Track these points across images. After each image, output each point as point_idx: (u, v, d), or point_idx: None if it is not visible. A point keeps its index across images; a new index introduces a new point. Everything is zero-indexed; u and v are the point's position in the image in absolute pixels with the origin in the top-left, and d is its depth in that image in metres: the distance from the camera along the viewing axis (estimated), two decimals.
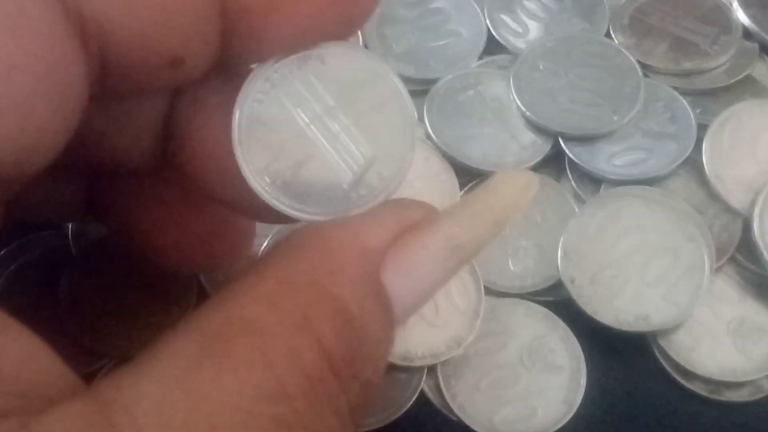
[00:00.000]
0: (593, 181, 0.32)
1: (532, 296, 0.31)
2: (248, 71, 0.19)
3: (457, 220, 0.19)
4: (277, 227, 0.30)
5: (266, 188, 0.19)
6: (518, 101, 0.33)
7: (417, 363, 0.28)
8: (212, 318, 0.16)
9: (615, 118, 0.32)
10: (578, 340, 0.29)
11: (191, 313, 0.17)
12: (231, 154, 0.19)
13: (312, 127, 0.19)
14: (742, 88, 0.34)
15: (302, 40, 0.19)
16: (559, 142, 0.33)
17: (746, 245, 0.30)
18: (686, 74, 0.34)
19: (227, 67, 0.20)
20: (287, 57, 0.19)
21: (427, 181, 0.32)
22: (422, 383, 0.29)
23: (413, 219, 0.19)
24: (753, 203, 0.30)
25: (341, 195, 0.19)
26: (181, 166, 0.22)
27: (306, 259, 0.17)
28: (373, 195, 0.20)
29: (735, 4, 0.36)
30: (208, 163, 0.21)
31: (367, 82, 0.20)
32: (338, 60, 0.19)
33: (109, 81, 0.18)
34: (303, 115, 0.19)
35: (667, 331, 0.29)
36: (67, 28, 0.16)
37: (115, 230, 0.26)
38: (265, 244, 0.30)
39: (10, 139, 0.15)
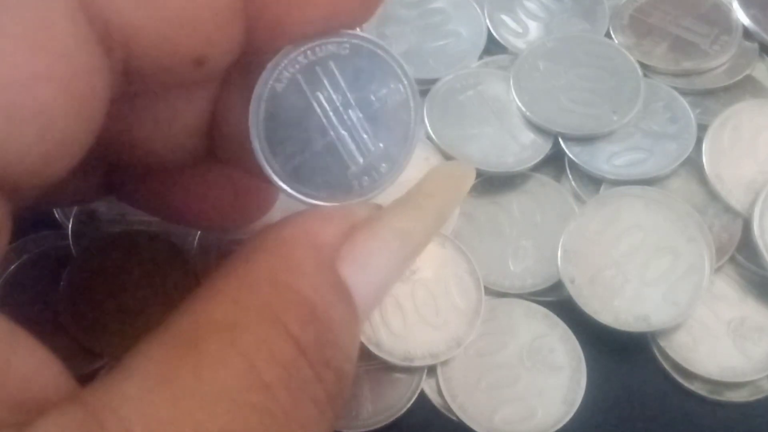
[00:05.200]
0: (593, 181, 0.32)
1: (532, 296, 0.31)
2: (267, 59, 0.20)
3: (402, 212, 0.21)
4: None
5: (277, 171, 0.20)
6: (518, 101, 0.33)
7: (417, 363, 0.28)
8: (181, 322, 0.17)
9: (615, 118, 0.32)
10: (578, 340, 0.29)
11: (164, 321, 0.17)
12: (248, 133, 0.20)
13: (328, 114, 0.20)
14: (742, 88, 0.34)
15: (323, 27, 0.19)
16: (559, 142, 0.33)
17: (746, 245, 0.30)
18: (686, 74, 0.34)
19: (247, 58, 0.20)
20: (311, 41, 0.20)
21: None
22: (422, 383, 0.29)
23: (360, 216, 0.20)
24: (753, 203, 0.30)
25: (345, 184, 0.21)
26: (217, 156, 0.23)
27: (263, 260, 0.18)
28: (372, 187, 0.21)
29: (735, 4, 0.36)
30: (238, 148, 0.22)
31: (383, 78, 0.21)
32: (358, 51, 0.20)
33: (132, 82, 0.18)
34: (320, 101, 0.20)
35: (667, 331, 0.29)
36: (90, 36, 0.16)
37: (132, 201, 0.27)
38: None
39: (30, 148, 0.16)
